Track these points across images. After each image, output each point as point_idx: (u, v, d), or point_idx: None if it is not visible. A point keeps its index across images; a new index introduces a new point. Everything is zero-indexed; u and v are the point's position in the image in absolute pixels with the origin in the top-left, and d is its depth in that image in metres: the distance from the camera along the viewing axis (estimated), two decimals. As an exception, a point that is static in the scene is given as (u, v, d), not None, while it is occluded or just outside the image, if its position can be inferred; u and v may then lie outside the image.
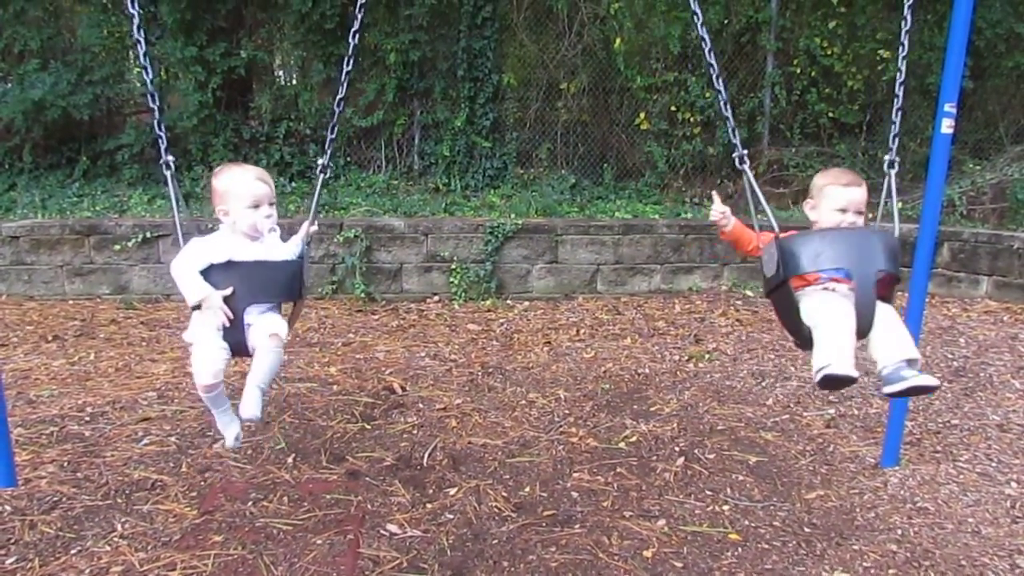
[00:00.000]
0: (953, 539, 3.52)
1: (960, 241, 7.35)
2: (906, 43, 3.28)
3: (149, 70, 3.26)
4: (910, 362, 2.81)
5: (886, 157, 3.32)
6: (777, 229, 2.94)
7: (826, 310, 2.86)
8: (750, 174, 3.03)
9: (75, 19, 8.88)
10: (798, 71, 8.70)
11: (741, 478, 4.07)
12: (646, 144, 8.83)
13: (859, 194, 3.06)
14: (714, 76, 3.15)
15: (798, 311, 2.93)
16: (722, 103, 3.11)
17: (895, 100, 3.34)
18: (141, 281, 7.23)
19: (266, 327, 2.95)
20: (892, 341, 2.83)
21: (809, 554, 3.41)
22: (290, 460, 4.22)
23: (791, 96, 8.75)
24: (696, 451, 4.36)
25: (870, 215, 3.20)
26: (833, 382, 2.78)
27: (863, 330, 2.83)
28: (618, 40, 8.54)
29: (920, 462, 4.22)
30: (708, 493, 3.92)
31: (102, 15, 8.47)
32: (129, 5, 3.09)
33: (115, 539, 3.46)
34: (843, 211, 3.03)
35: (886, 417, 4.32)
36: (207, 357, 2.90)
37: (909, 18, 3.25)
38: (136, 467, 4.10)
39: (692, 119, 8.72)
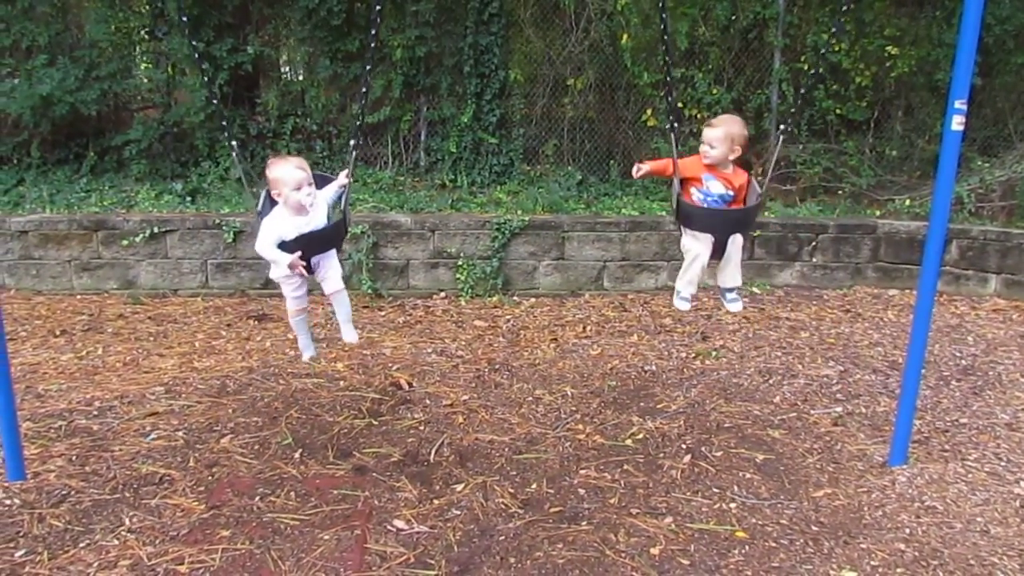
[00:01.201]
0: (962, 538, 3.51)
1: (969, 239, 7.32)
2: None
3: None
4: (732, 289, 4.18)
5: (781, 126, 4.38)
6: (677, 160, 3.97)
7: (692, 249, 4.02)
8: (675, 133, 4.01)
9: (83, 15, 8.89)
10: (805, 67, 8.66)
11: (748, 476, 4.06)
12: (653, 141, 8.80)
13: (708, 132, 3.97)
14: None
15: (682, 235, 4.13)
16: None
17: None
18: (148, 276, 7.24)
19: (331, 279, 4.08)
20: (727, 272, 4.11)
21: (816, 552, 3.41)
22: (297, 455, 4.23)
23: (798, 93, 8.72)
24: (703, 448, 4.36)
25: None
26: (677, 308, 4.29)
27: (716, 256, 4.03)
28: (625, 36, 8.50)
29: (928, 461, 4.21)
30: (715, 491, 3.92)
31: (109, 11, 8.47)
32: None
33: (123, 533, 3.49)
34: (703, 143, 3.97)
35: (894, 416, 4.31)
36: (294, 294, 4.13)
37: None
38: (144, 461, 4.12)
39: (699, 115, 8.68)
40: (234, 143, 4.13)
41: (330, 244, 4.09)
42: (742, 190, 4.05)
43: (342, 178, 4.15)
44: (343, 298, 4.16)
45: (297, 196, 3.84)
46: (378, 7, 4.01)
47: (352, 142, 4.26)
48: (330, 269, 4.09)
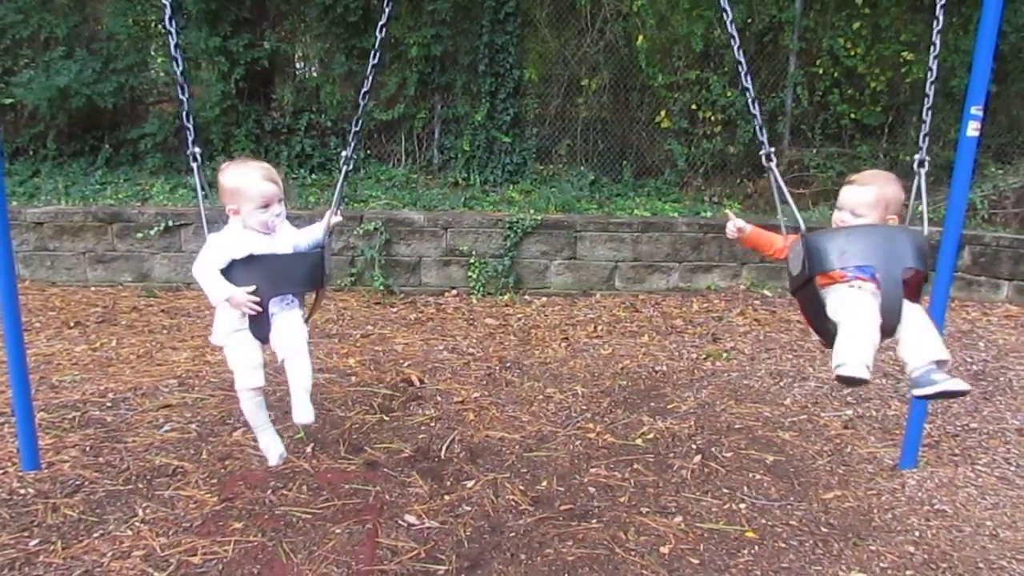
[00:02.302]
0: (971, 542, 3.51)
1: (981, 245, 7.30)
2: (938, 42, 3.23)
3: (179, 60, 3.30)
4: (939, 363, 2.75)
5: (916, 156, 3.25)
6: (804, 227, 2.89)
7: (850, 305, 2.82)
8: (776, 172, 2.99)
9: (101, 7, 8.95)
10: (821, 72, 8.65)
11: (758, 477, 4.07)
12: (666, 142, 8.82)
13: (854, 193, 3.03)
14: (743, 73, 3.15)
15: (824, 308, 2.89)
16: (750, 100, 3.14)
17: (925, 99, 3.26)
18: (163, 269, 7.29)
19: (289, 338, 3.04)
20: (921, 342, 2.77)
21: (826, 554, 3.41)
22: (309, 450, 4.25)
23: (813, 97, 8.71)
24: (713, 449, 4.37)
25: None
26: (846, 381, 2.78)
27: (889, 328, 2.79)
28: (640, 37, 8.52)
29: (938, 465, 4.21)
30: (725, 491, 3.93)
31: (128, 4, 8.52)
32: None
33: (136, 524, 3.51)
34: (839, 208, 3.05)
35: (905, 419, 4.31)
36: (245, 354, 3.09)
37: (941, 18, 3.22)
38: (157, 453, 4.15)
39: (713, 118, 8.70)
40: (196, 151, 3.17)
41: (299, 284, 3.15)
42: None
43: (326, 219, 3.26)
44: (303, 363, 3.04)
45: (262, 217, 3.00)
46: (388, 8, 3.45)
47: (344, 153, 3.35)
48: (291, 323, 3.08)
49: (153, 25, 9.08)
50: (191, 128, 3.21)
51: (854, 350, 2.72)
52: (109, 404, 4.74)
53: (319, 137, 8.93)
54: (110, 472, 3.95)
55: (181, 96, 3.31)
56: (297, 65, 10.05)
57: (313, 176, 8.67)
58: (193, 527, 3.51)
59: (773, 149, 3.09)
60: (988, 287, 7.32)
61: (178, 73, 3.34)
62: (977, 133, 3.62)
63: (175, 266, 7.28)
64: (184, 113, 3.24)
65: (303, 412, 3.03)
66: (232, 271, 2.97)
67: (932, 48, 3.25)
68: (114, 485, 3.83)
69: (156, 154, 8.55)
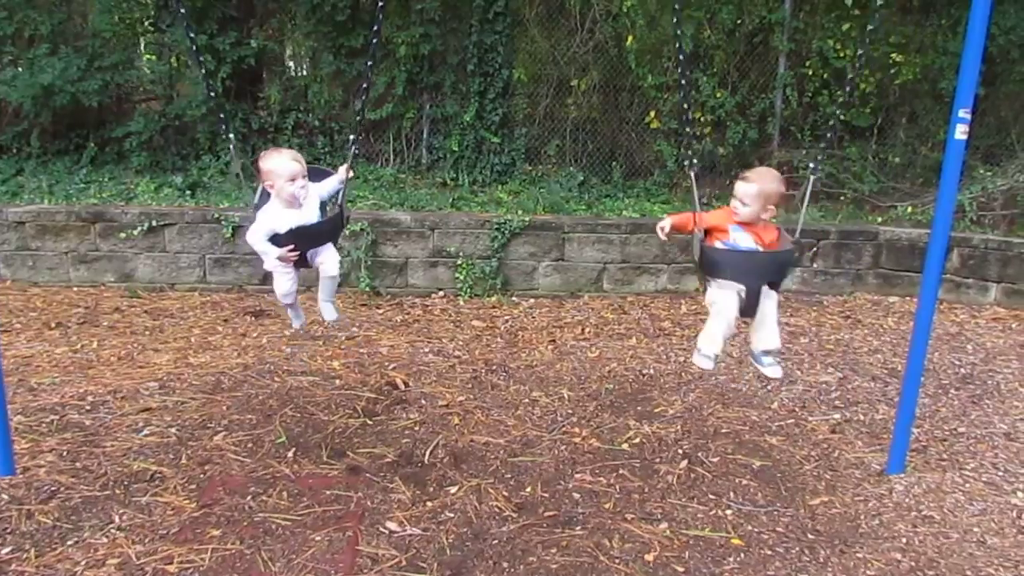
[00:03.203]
0: (958, 548, 3.49)
1: (970, 247, 7.29)
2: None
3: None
4: (771, 351, 3.80)
5: (810, 164, 4.03)
6: (701, 235, 3.70)
7: (720, 304, 3.65)
8: (694, 183, 3.83)
9: (86, 4, 8.86)
10: (810, 73, 8.63)
11: (745, 482, 4.03)
12: (656, 143, 8.77)
13: (740, 188, 3.67)
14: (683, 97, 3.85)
15: (706, 289, 3.81)
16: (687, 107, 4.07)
17: (833, 120, 3.84)
18: (146, 269, 7.21)
19: (327, 263, 3.97)
20: (763, 332, 3.73)
21: (812, 561, 3.38)
22: (290, 454, 4.20)
23: (802, 98, 8.69)
24: (700, 454, 4.33)
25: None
26: (696, 364, 3.76)
27: (747, 315, 3.70)
28: (630, 38, 8.48)
29: (926, 470, 4.18)
30: (711, 497, 3.89)
31: (113, 1, 8.43)
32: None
33: (112, 531, 3.45)
34: (733, 197, 3.70)
35: (892, 423, 4.28)
36: (284, 284, 4.04)
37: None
38: (136, 458, 4.09)
39: (703, 119, 8.66)
40: (231, 136, 4.07)
41: (325, 239, 4.02)
42: (772, 245, 3.73)
43: (341, 172, 4.08)
44: (333, 281, 4.11)
45: (291, 188, 3.80)
46: (380, 3, 3.93)
47: (352, 136, 4.31)
48: (328, 259, 4.03)
49: (140, 23, 8.99)
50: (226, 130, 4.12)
51: (710, 343, 3.67)
52: (88, 407, 4.68)
53: (306, 136, 8.86)
54: (87, 477, 3.88)
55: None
56: (289, 64, 9.98)
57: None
58: (170, 534, 3.45)
59: (697, 164, 3.91)
60: (976, 289, 7.30)
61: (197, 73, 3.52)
62: (965, 136, 3.60)
63: (159, 266, 7.20)
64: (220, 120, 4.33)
65: (327, 312, 4.19)
66: (276, 240, 3.82)
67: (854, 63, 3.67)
68: (91, 491, 3.77)
69: (141, 153, 8.46)
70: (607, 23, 8.70)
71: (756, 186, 3.64)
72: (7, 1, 8.15)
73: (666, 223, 3.86)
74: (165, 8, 8.47)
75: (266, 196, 3.93)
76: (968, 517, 3.74)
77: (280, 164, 3.80)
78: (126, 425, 4.46)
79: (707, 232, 3.73)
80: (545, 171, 9.02)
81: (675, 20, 3.86)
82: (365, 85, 4.40)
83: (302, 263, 3.98)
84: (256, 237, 3.86)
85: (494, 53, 8.49)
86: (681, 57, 3.90)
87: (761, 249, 3.68)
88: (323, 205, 4.05)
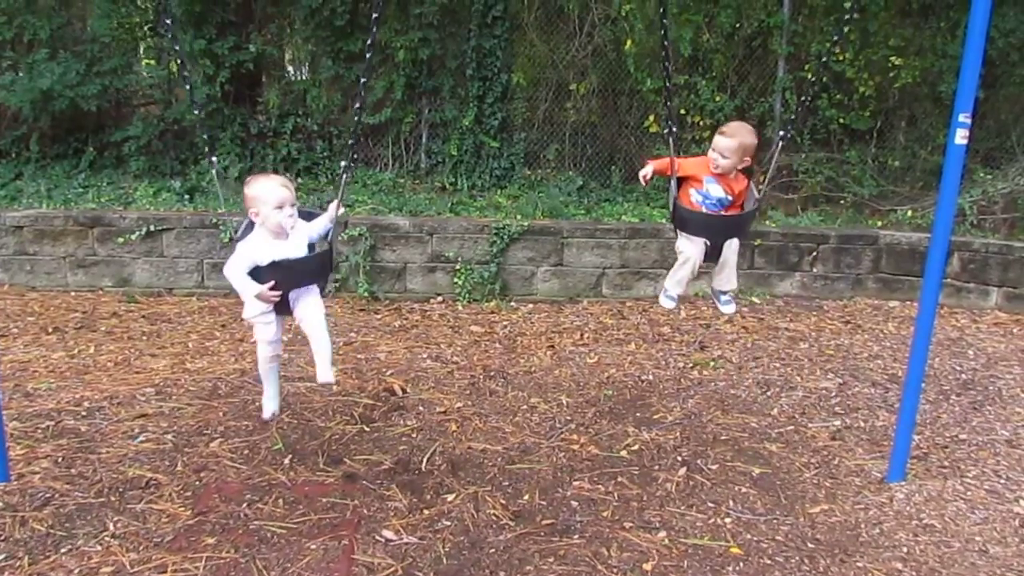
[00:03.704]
0: (960, 558, 3.45)
1: (970, 251, 7.26)
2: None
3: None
4: (729, 291, 4.19)
5: (779, 132, 4.29)
6: (675, 191, 4.02)
7: (685, 252, 4.01)
8: (673, 132, 4.07)
9: (86, 8, 8.85)
10: (809, 76, 8.61)
11: (744, 490, 4.00)
12: (655, 147, 8.75)
13: (721, 142, 3.89)
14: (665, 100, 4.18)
15: (677, 236, 4.11)
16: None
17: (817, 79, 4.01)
18: (144, 274, 7.19)
19: (311, 316, 3.65)
20: (723, 275, 4.10)
21: (812, 570, 3.35)
22: (287, 461, 4.17)
23: (801, 101, 8.65)
24: (699, 461, 4.30)
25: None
26: (661, 304, 4.25)
27: (710, 260, 4.07)
28: (629, 42, 8.46)
29: (927, 477, 4.15)
30: (710, 505, 3.86)
31: (112, 5, 8.42)
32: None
33: (106, 538, 3.42)
34: (714, 151, 3.92)
35: (893, 430, 4.25)
36: (268, 331, 3.71)
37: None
38: (131, 465, 4.06)
39: (701, 122, 8.63)
40: (215, 160, 3.99)
41: (310, 278, 3.70)
42: (741, 196, 4.05)
43: (332, 210, 3.80)
44: (324, 339, 3.71)
45: (278, 217, 3.50)
46: (375, 16, 3.78)
47: (343, 163, 3.92)
48: (311, 305, 3.68)
49: (139, 27, 8.98)
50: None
51: (675, 285, 4.12)
52: (84, 413, 4.65)
53: (305, 141, 8.85)
54: (82, 484, 3.86)
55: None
56: (288, 69, 9.97)
57: (299, 180, 8.58)
58: (164, 542, 3.42)
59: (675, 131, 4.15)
60: (977, 294, 7.28)
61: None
62: (965, 141, 3.57)
63: (157, 271, 7.18)
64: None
65: (325, 374, 3.74)
66: (257, 274, 3.51)
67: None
68: (85, 498, 3.74)
69: (140, 157, 8.45)
70: (606, 27, 8.69)
71: (736, 140, 3.89)
72: (6, 6, 8.15)
73: (647, 169, 4.09)
74: (164, 13, 8.43)
75: (250, 228, 3.64)
76: (970, 526, 3.71)
77: (266, 190, 3.51)
78: (122, 431, 4.43)
79: (682, 179, 4.03)
80: (544, 175, 9.00)
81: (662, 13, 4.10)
82: (359, 106, 4.11)
83: (284, 308, 3.66)
84: (234, 270, 3.54)
85: (493, 57, 8.47)
86: (664, 23, 4.09)
87: (731, 198, 4.02)
88: (311, 246, 3.75)
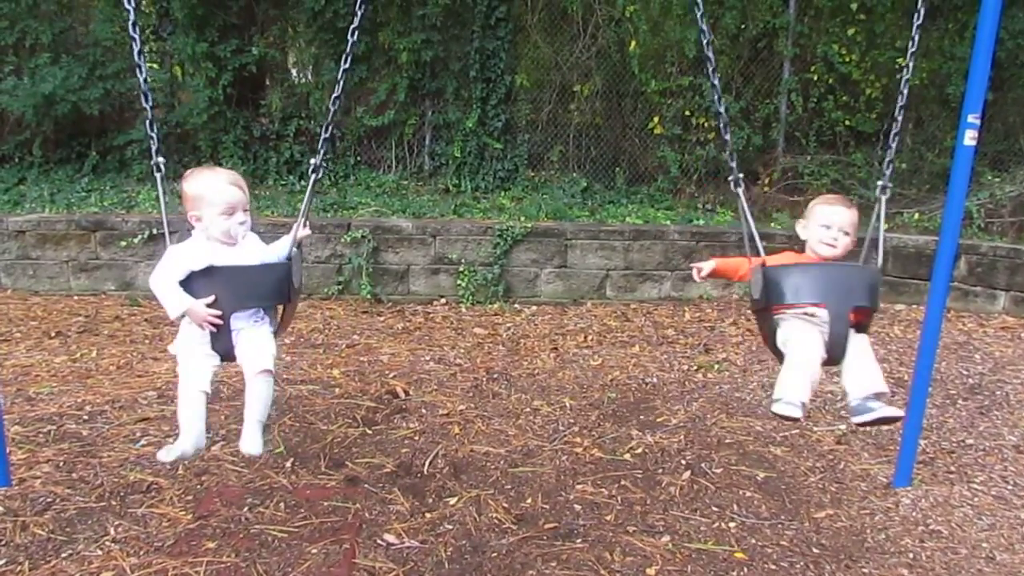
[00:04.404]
0: (967, 565, 3.41)
1: (978, 255, 7.21)
2: (911, 65, 3.52)
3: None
4: (877, 396, 2.99)
5: (879, 182, 3.43)
6: (764, 256, 3.11)
7: (796, 341, 3.04)
8: (743, 200, 3.18)
9: (88, 13, 8.85)
10: (815, 78, 8.58)
11: (749, 494, 3.97)
12: (659, 149, 8.73)
13: (844, 214, 3.25)
14: (716, 98, 3.35)
15: (776, 335, 3.14)
16: (722, 125, 3.29)
17: (894, 124, 3.48)
18: (146, 278, 7.07)
19: (254, 356, 2.90)
20: (862, 375, 3.02)
21: (817, 576, 3.31)
22: (288, 464, 4.14)
23: (807, 103, 8.63)
24: (703, 465, 4.26)
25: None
26: (780, 417, 3.00)
27: (834, 359, 3.04)
28: (633, 43, 8.44)
29: (933, 483, 4.11)
30: (714, 509, 3.83)
31: (115, 9, 8.41)
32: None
33: (107, 543, 3.40)
34: (827, 227, 3.23)
35: (899, 435, 4.20)
36: (197, 368, 2.91)
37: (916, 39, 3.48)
38: (132, 468, 4.04)
39: (706, 124, 8.61)
40: (160, 161, 3.14)
41: (263, 297, 2.98)
42: None
43: (294, 231, 3.11)
44: (265, 387, 2.92)
45: (224, 224, 2.88)
46: (360, 12, 3.22)
47: (313, 162, 3.22)
48: (259, 340, 2.93)
49: (141, 31, 8.96)
50: (154, 137, 3.18)
51: (793, 388, 2.96)
52: (86, 417, 4.63)
53: (308, 144, 8.83)
54: (83, 488, 3.84)
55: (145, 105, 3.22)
56: (292, 71, 9.96)
57: (302, 183, 8.58)
58: (165, 547, 3.40)
59: (741, 176, 3.27)
60: (984, 298, 7.23)
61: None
62: (974, 142, 3.53)
63: (160, 274, 7.16)
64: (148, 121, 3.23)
65: (251, 443, 2.91)
66: (191, 283, 2.84)
67: (904, 70, 3.48)
68: (86, 502, 3.72)
69: (143, 161, 8.44)
70: (610, 28, 8.66)
71: (855, 213, 3.24)
72: (8, 10, 8.15)
73: (708, 265, 3.47)
74: (166, 16, 8.45)
75: (187, 236, 3.01)
76: (977, 532, 3.67)
77: (212, 189, 2.86)
78: (123, 435, 4.41)
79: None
80: (548, 177, 8.98)
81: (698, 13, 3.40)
82: (334, 107, 3.34)
83: (224, 345, 2.88)
84: (162, 279, 2.85)
85: (496, 59, 8.46)
86: (711, 57, 3.37)
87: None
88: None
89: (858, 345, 3.05)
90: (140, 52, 3.19)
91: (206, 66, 8.25)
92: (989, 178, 8.03)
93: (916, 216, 7.91)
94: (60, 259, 7.15)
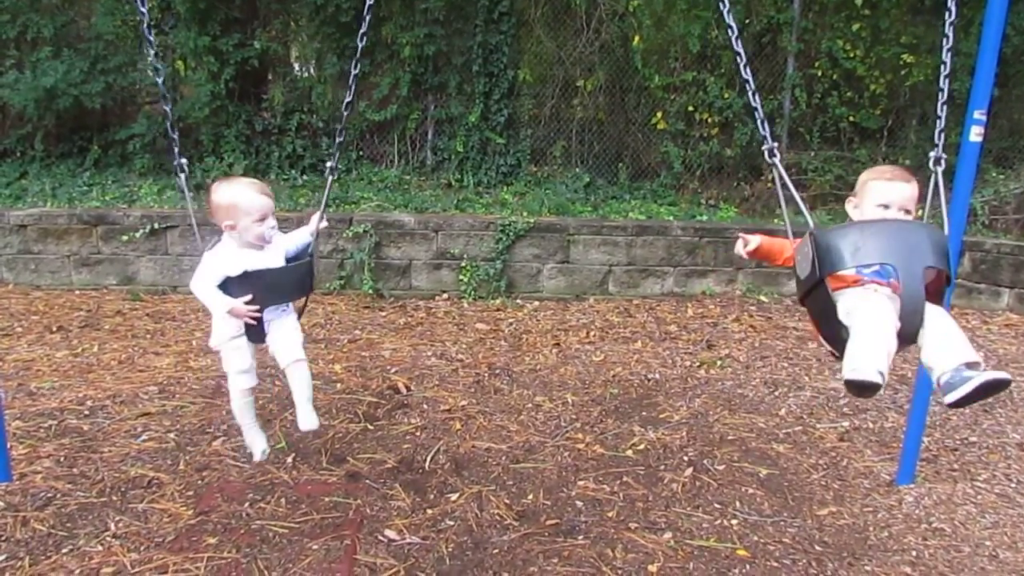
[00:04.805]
0: (970, 563, 3.40)
1: (982, 251, 7.19)
2: (951, 35, 3.06)
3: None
4: (970, 365, 2.48)
5: (932, 154, 3.04)
6: (812, 224, 2.66)
7: (866, 307, 2.56)
8: (781, 168, 2.76)
9: (89, 7, 8.82)
10: (819, 74, 8.54)
11: (751, 491, 3.96)
12: (662, 144, 8.70)
13: (906, 189, 2.79)
14: (742, 65, 2.92)
15: (835, 312, 2.61)
16: (751, 93, 2.92)
17: (939, 95, 3.08)
18: (148, 272, 7.17)
19: (287, 348, 3.29)
20: (949, 345, 2.51)
21: (820, 574, 3.30)
22: (290, 460, 4.14)
23: (811, 99, 8.60)
24: (705, 461, 4.25)
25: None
26: (857, 387, 2.43)
27: (910, 333, 2.54)
28: (636, 38, 8.40)
29: (937, 480, 4.10)
30: (716, 506, 3.82)
31: (116, 3, 8.39)
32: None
33: (108, 538, 3.40)
34: (885, 207, 2.77)
35: (902, 432, 4.20)
36: (241, 359, 3.33)
37: (953, 9, 3.01)
38: (133, 464, 4.03)
39: (710, 120, 8.58)
40: (183, 162, 3.37)
41: (289, 292, 3.36)
42: None
43: (313, 223, 3.49)
44: (303, 372, 3.33)
45: (259, 229, 3.15)
46: (367, 17, 3.57)
47: (329, 164, 3.55)
48: (288, 331, 3.32)
49: (143, 24, 8.93)
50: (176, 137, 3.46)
51: (867, 354, 2.44)
52: (87, 412, 4.63)
53: (310, 138, 8.81)
54: (84, 484, 3.83)
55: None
56: (294, 65, 9.92)
57: (304, 177, 8.56)
58: (166, 542, 3.40)
59: (776, 144, 2.85)
60: (988, 295, 7.21)
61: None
62: (980, 138, 3.52)
63: (161, 269, 7.16)
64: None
65: (307, 420, 3.34)
66: (228, 287, 3.15)
67: (944, 40, 3.05)
68: (87, 497, 3.72)
69: (145, 155, 8.43)
70: (613, 23, 8.62)
71: (915, 186, 2.83)
72: (10, 4, 8.12)
73: (753, 240, 3.03)
74: (168, 10, 8.42)
75: (218, 240, 3.25)
76: (980, 530, 3.66)
77: (248, 198, 3.12)
78: (124, 430, 4.41)
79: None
80: (551, 172, 8.95)
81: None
82: (348, 100, 3.59)
83: (256, 334, 3.28)
84: (202, 284, 3.16)
85: (499, 54, 8.42)
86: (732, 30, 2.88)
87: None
88: (288, 260, 3.41)
89: (936, 315, 2.58)
90: (156, 55, 3.49)
91: (208, 60, 8.22)
92: (994, 175, 7.99)
93: (920, 213, 7.86)
94: (62, 253, 7.13)
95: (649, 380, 5.43)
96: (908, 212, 2.77)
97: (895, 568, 3.34)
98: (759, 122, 2.87)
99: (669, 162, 8.67)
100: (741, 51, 2.89)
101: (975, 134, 3.49)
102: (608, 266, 7.41)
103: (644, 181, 8.89)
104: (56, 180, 8.07)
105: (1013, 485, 4.07)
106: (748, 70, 2.91)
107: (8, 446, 3.87)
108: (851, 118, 8.56)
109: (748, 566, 3.35)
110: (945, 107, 3.08)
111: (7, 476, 3.79)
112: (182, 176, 3.34)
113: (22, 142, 8.50)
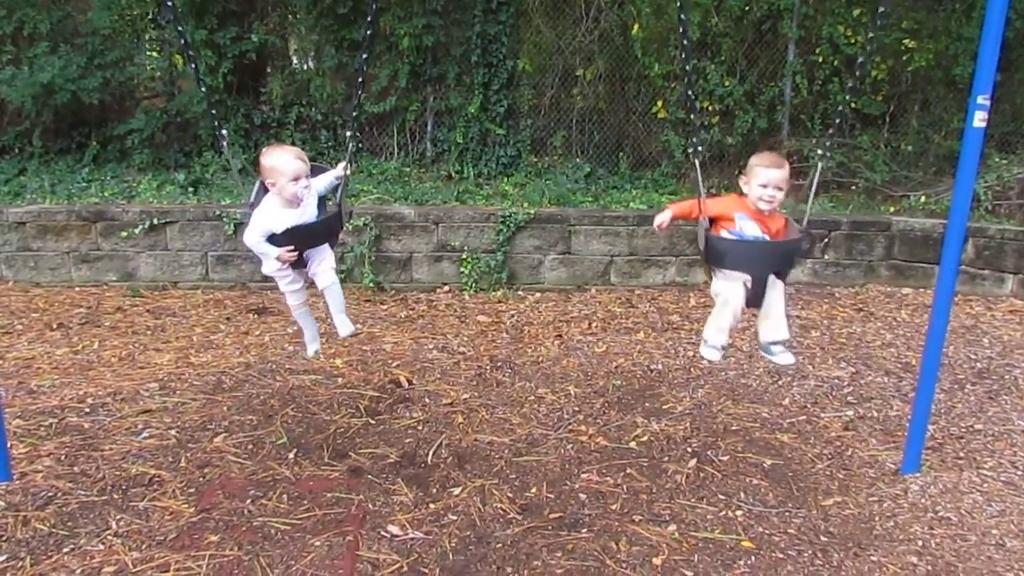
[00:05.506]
0: (976, 551, 3.38)
1: (985, 237, 7.15)
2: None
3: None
4: (781, 342, 3.70)
5: (819, 151, 3.96)
6: (706, 223, 3.62)
7: (724, 295, 3.60)
8: (699, 170, 3.62)
9: (86, 1, 8.77)
10: (820, 60, 8.48)
11: (755, 482, 3.93)
12: (663, 133, 8.65)
13: (778, 174, 3.53)
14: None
15: (712, 278, 3.75)
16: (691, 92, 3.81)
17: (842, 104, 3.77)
18: (148, 268, 7.15)
19: (322, 273, 3.92)
20: (771, 323, 3.63)
21: (825, 564, 3.28)
22: (291, 456, 4.12)
23: (812, 86, 8.54)
24: (709, 452, 4.23)
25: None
26: (704, 356, 3.74)
27: (753, 306, 3.63)
28: (636, 26, 8.35)
29: (942, 469, 4.07)
30: (721, 497, 3.79)
31: (112, -2, 8.35)
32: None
33: (109, 537, 3.38)
34: (764, 186, 3.53)
35: (907, 420, 4.17)
36: (292, 282, 4.02)
37: None
38: (134, 461, 4.02)
39: (710, 108, 8.53)
40: (224, 132, 4.07)
41: (323, 239, 3.95)
42: (779, 234, 3.66)
43: (339, 169, 4.04)
44: (336, 290, 4.03)
45: (293, 188, 3.73)
46: (374, 5, 4.01)
47: (348, 133, 4.24)
48: (322, 263, 3.95)
49: (140, 19, 8.90)
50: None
51: (717, 334, 3.64)
52: (87, 410, 4.61)
53: (309, 131, 8.77)
54: (84, 482, 3.82)
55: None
56: (293, 58, 9.87)
57: (304, 170, 8.52)
58: (167, 540, 3.38)
59: (701, 148, 3.71)
60: (992, 281, 7.17)
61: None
62: (984, 124, 3.47)
63: (161, 265, 7.14)
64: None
65: (344, 326, 4.07)
66: (275, 239, 3.76)
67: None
68: (88, 496, 3.70)
69: (144, 150, 8.39)
70: (612, 11, 8.57)
71: (787, 169, 3.56)
72: (6, 0, 8.07)
73: (665, 215, 3.76)
74: (165, 4, 8.36)
75: (263, 192, 3.85)
76: (986, 519, 3.63)
77: (285, 162, 3.71)
78: (125, 428, 4.39)
79: (711, 221, 3.65)
80: (551, 163, 8.90)
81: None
82: (361, 80, 4.23)
83: (299, 264, 3.92)
84: (253, 238, 3.80)
85: (498, 44, 8.37)
86: (684, 42, 3.74)
87: (767, 238, 3.61)
88: (321, 201, 3.99)
89: (774, 293, 3.60)
90: (196, 71, 4.69)
91: (206, 54, 8.18)
92: (996, 160, 7.94)
93: (923, 199, 7.83)
94: (61, 250, 7.11)
95: (652, 371, 5.40)
96: (780, 189, 3.54)
97: (901, 558, 3.32)
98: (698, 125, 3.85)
99: (670, 151, 8.62)
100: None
101: (979, 119, 3.44)
102: (610, 256, 7.37)
103: (645, 170, 8.85)
104: (55, 176, 8.04)
105: (1019, 473, 4.04)
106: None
107: (8, 445, 3.86)
108: (853, 104, 8.50)
109: (753, 557, 3.32)
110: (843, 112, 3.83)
111: (7, 475, 3.77)
112: (224, 143, 4.08)
113: (20, 138, 8.46)
